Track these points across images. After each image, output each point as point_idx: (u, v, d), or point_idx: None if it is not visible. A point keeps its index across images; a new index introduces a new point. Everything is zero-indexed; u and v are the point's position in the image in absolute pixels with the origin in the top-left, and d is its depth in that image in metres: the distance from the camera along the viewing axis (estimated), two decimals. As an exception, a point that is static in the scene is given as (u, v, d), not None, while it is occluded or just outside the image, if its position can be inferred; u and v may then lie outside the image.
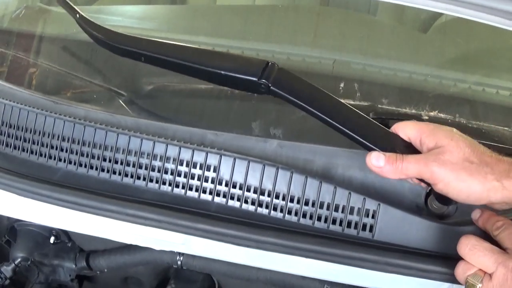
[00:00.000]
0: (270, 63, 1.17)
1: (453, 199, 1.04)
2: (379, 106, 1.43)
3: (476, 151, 1.00)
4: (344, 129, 1.11)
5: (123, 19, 1.89)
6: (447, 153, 1.00)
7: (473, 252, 1.02)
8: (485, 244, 1.02)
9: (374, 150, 1.08)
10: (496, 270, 0.98)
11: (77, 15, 1.46)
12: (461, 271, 1.05)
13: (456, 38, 1.76)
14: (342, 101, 1.16)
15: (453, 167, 0.99)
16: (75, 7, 1.50)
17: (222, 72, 1.19)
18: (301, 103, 1.14)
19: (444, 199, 1.11)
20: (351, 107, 1.15)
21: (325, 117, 1.12)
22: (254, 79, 1.15)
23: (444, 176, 1.00)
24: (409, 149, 1.08)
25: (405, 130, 1.08)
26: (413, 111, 1.42)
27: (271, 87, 1.15)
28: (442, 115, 1.42)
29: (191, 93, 1.52)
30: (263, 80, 1.14)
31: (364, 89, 1.46)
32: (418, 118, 1.36)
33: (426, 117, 1.40)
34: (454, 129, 1.04)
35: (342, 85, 1.47)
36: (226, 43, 1.67)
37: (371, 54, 1.66)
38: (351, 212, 1.16)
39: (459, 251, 1.05)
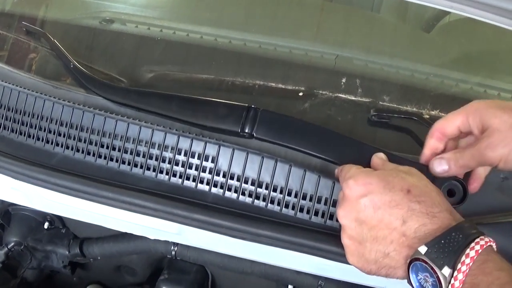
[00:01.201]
0: (251, 108, 1.19)
1: None
2: (380, 102, 1.42)
3: None
4: (333, 160, 1.15)
5: (126, 6, 1.88)
6: (495, 133, 0.99)
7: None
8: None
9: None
10: (338, 211, 1.03)
11: (71, 65, 1.46)
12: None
13: (459, 38, 1.75)
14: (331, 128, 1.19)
15: (505, 143, 0.99)
16: (68, 56, 1.50)
17: (206, 124, 1.23)
18: (288, 145, 1.17)
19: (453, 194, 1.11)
20: (339, 134, 1.18)
21: (315, 154, 1.16)
22: (236, 130, 1.18)
23: (500, 155, 1.00)
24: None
25: (451, 126, 1.08)
26: (414, 109, 1.42)
27: (255, 135, 1.18)
28: (443, 115, 1.41)
29: (191, 83, 1.51)
30: (246, 131, 1.18)
31: (365, 85, 1.45)
32: (419, 116, 1.35)
33: (427, 116, 1.39)
34: (492, 102, 1.04)
35: (344, 80, 1.46)
36: (229, 34, 1.66)
37: (374, 51, 1.65)
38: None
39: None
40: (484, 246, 0.86)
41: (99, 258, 1.75)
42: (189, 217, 1.19)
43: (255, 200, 1.21)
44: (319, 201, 1.18)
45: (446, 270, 0.86)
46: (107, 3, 1.87)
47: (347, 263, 1.09)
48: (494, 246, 0.89)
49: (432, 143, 1.11)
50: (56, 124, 1.33)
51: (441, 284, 0.87)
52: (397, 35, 1.78)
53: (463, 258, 0.85)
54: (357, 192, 0.99)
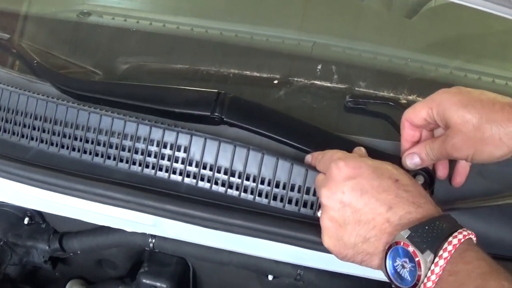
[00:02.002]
0: (220, 94, 1.21)
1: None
2: (356, 88, 1.41)
3: (481, 113, 0.98)
4: (302, 147, 1.17)
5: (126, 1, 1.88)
6: (458, 135, 1.00)
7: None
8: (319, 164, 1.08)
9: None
10: (318, 191, 1.04)
11: (35, 62, 1.45)
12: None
13: (440, 24, 1.75)
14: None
15: (468, 145, 1.00)
16: (32, 54, 1.49)
17: (176, 110, 1.23)
18: (256, 129, 1.19)
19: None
20: (308, 123, 1.21)
21: (282, 139, 1.18)
22: (207, 113, 1.20)
23: (464, 155, 1.01)
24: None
25: (417, 118, 1.08)
26: (391, 94, 1.41)
27: (224, 119, 1.19)
28: (420, 99, 1.40)
29: (166, 73, 1.51)
30: (216, 114, 1.19)
31: (342, 72, 1.45)
32: (396, 101, 1.34)
33: (404, 101, 1.39)
34: (459, 96, 1.02)
35: (319, 67, 1.45)
36: (205, 24, 1.65)
37: (352, 37, 1.65)
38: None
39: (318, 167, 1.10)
40: (466, 237, 0.86)
41: (79, 252, 1.74)
42: (162, 208, 1.18)
43: (228, 190, 1.20)
44: (292, 189, 1.17)
45: (428, 255, 0.86)
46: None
47: (323, 250, 1.08)
48: (474, 239, 0.89)
49: (407, 134, 1.12)
50: (30, 118, 1.32)
51: (421, 269, 0.86)
52: (376, 21, 1.78)
53: (446, 245, 0.85)
54: (345, 173, 0.98)
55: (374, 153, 1.12)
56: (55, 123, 1.30)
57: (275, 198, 1.18)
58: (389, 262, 0.92)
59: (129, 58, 1.54)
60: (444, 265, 0.84)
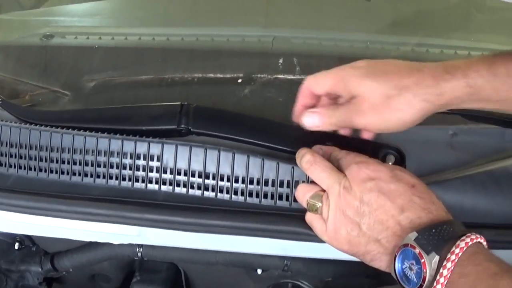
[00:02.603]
0: (184, 105, 1.22)
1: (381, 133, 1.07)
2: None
3: (390, 80, 0.99)
4: (273, 145, 1.19)
5: (66, 18, 1.89)
6: (364, 102, 1.00)
7: (314, 168, 1.06)
8: (324, 161, 1.06)
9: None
10: (332, 187, 1.02)
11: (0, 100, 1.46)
12: (301, 193, 1.09)
13: (397, 2, 1.77)
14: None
15: (374, 111, 1.00)
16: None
17: (143, 127, 1.25)
18: (224, 135, 1.21)
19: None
20: (273, 121, 1.23)
21: (250, 140, 1.20)
22: (173, 126, 1.21)
23: (368, 122, 1.02)
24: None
25: (319, 87, 1.09)
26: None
27: (191, 129, 1.21)
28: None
29: (131, 85, 1.52)
30: (182, 125, 1.21)
31: (303, 63, 1.47)
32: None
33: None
34: (363, 67, 1.04)
35: (281, 61, 1.47)
36: (166, 32, 1.68)
37: (311, 27, 1.67)
38: (296, 186, 1.16)
39: (300, 165, 1.10)
40: (474, 241, 0.87)
41: (71, 270, 1.76)
42: (142, 218, 1.20)
43: (205, 192, 1.22)
44: (266, 184, 1.19)
45: (433, 256, 0.87)
46: (47, 19, 1.88)
47: (305, 240, 1.11)
48: (485, 244, 0.90)
49: (303, 101, 1.13)
50: (6, 146, 1.34)
51: (426, 271, 0.87)
52: (334, 7, 1.80)
53: (453, 248, 0.86)
54: (366, 174, 1.00)
55: (346, 140, 1.14)
56: (30, 148, 1.31)
57: (250, 195, 1.21)
58: (398, 264, 0.93)
59: (95, 75, 1.56)
60: (452, 267, 0.85)
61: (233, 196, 1.21)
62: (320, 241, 1.08)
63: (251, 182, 1.20)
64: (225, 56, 1.57)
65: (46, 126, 1.33)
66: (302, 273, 1.65)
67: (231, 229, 1.19)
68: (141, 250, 1.60)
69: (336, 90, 1.06)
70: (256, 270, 1.69)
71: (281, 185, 1.19)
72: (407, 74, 0.99)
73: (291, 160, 1.16)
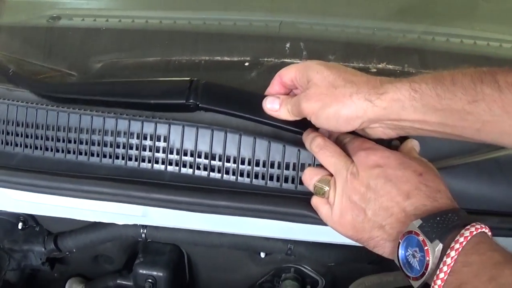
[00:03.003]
0: (193, 81, 1.22)
1: (327, 129, 1.08)
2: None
3: (342, 74, 1.01)
4: (281, 125, 1.16)
5: (73, 0, 1.89)
6: (313, 87, 1.02)
7: (323, 152, 1.07)
8: (334, 146, 1.07)
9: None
10: (339, 172, 1.03)
11: (10, 72, 1.47)
12: (308, 176, 1.10)
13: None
14: None
15: (318, 97, 1.01)
16: (7, 64, 1.51)
17: (152, 101, 1.25)
18: (231, 111, 1.19)
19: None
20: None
21: (257, 118, 1.18)
22: (182, 101, 1.20)
23: (312, 108, 1.02)
24: None
25: (287, 76, 1.11)
26: (361, 64, 1.43)
27: (199, 105, 1.20)
28: (390, 67, 1.43)
29: (138, 67, 1.52)
30: (191, 101, 1.20)
31: (310, 48, 1.47)
32: (366, 71, 1.36)
33: (374, 70, 1.41)
34: (329, 61, 1.08)
35: (288, 45, 1.48)
36: (173, 15, 1.68)
37: (318, 13, 1.67)
38: (302, 169, 1.17)
39: (309, 148, 1.11)
40: (479, 230, 0.87)
41: (74, 250, 1.77)
42: (148, 197, 1.20)
43: (211, 173, 1.23)
44: (272, 166, 1.20)
45: (436, 244, 0.87)
46: (54, 0, 1.88)
47: (309, 222, 1.12)
48: (489, 233, 0.89)
49: (273, 88, 1.15)
50: (13, 125, 1.35)
51: (429, 258, 0.87)
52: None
53: (457, 237, 0.86)
54: (373, 161, 1.00)
55: None
56: (37, 127, 1.32)
57: (256, 177, 1.21)
58: (401, 251, 0.93)
59: (102, 56, 1.56)
60: (456, 256, 0.84)
61: (239, 177, 1.22)
62: (325, 224, 1.08)
63: (257, 164, 1.21)
64: (232, 39, 1.57)
65: (54, 101, 1.35)
66: (305, 258, 1.66)
67: (236, 210, 1.19)
68: (145, 231, 1.61)
69: (299, 77, 1.08)
70: (259, 254, 1.70)
71: (287, 167, 1.20)
72: (359, 74, 1.01)
73: (297, 143, 1.17)
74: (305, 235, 1.34)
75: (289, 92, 1.15)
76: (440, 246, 0.87)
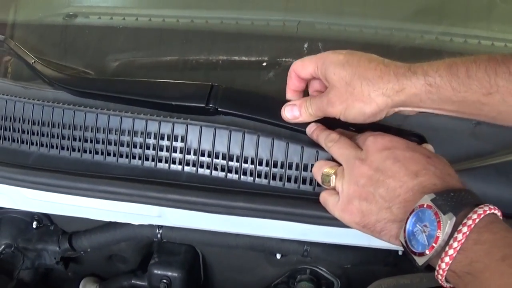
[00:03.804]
0: (214, 86, 1.24)
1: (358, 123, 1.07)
2: (344, 63, 1.43)
3: (357, 71, 1.01)
4: (298, 128, 1.18)
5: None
6: (333, 90, 1.04)
7: (336, 145, 1.09)
8: (347, 140, 1.09)
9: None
10: (348, 161, 1.04)
11: (33, 62, 1.48)
12: (317, 168, 1.11)
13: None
14: None
15: (340, 100, 1.03)
16: (29, 53, 1.52)
17: (173, 103, 1.25)
18: (250, 116, 1.21)
19: None
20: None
21: (275, 122, 1.19)
22: (202, 105, 1.22)
23: (338, 111, 1.05)
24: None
25: (305, 71, 1.12)
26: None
27: (219, 109, 1.22)
28: (408, 68, 1.42)
29: (155, 66, 1.52)
30: (211, 105, 1.22)
31: (328, 48, 1.44)
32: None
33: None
34: (342, 55, 1.06)
35: (306, 45, 1.47)
36: (190, 14, 1.67)
37: (336, 13, 1.66)
38: (321, 171, 1.16)
39: (324, 143, 1.12)
40: (492, 211, 0.86)
41: (89, 250, 1.76)
42: (164, 198, 1.20)
43: (228, 174, 1.22)
44: (290, 168, 1.19)
45: (450, 217, 0.85)
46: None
47: (326, 224, 1.11)
48: (500, 216, 0.88)
49: (292, 84, 1.16)
50: (29, 124, 1.34)
51: (440, 230, 0.86)
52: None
53: (471, 213, 0.85)
54: (381, 144, 1.01)
55: (370, 125, 1.14)
56: (53, 126, 1.32)
57: (274, 178, 1.21)
58: (408, 227, 0.91)
59: (119, 55, 1.56)
60: (468, 232, 0.83)
61: (256, 178, 1.22)
62: (342, 225, 1.07)
63: (275, 165, 1.20)
64: (250, 39, 1.56)
65: (74, 94, 1.36)
66: (321, 259, 1.65)
67: (253, 212, 1.19)
68: (160, 231, 1.61)
69: (318, 75, 1.09)
70: (275, 255, 1.70)
71: (305, 169, 1.19)
72: (374, 67, 1.01)
73: (315, 144, 1.15)
74: (321, 236, 1.33)
75: (306, 84, 1.17)
76: (454, 219, 0.85)
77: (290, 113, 1.14)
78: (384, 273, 1.51)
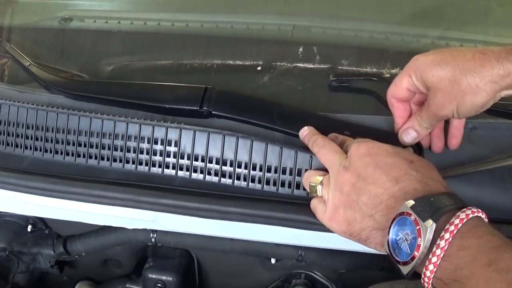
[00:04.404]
0: (208, 89, 1.25)
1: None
2: (339, 67, 1.42)
3: (456, 66, 0.99)
4: (292, 132, 1.20)
5: (84, 2, 1.88)
6: (438, 93, 1.02)
7: (322, 150, 1.09)
8: (333, 144, 1.09)
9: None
10: (333, 168, 1.04)
11: (28, 64, 1.48)
12: (306, 178, 1.12)
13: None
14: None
15: (450, 101, 1.01)
16: (25, 56, 1.53)
17: (167, 105, 1.27)
18: (244, 119, 1.23)
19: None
20: (293, 107, 1.25)
21: (269, 125, 1.21)
22: (196, 108, 1.24)
23: (450, 112, 1.03)
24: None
25: (400, 92, 1.11)
26: (374, 70, 1.42)
27: (213, 112, 1.23)
28: (403, 72, 1.42)
29: (150, 70, 1.52)
30: (204, 108, 1.24)
31: (323, 52, 1.46)
32: (379, 76, 1.35)
33: (388, 75, 1.40)
34: (432, 55, 1.04)
35: (301, 49, 1.46)
36: (185, 18, 1.67)
37: (331, 17, 1.65)
38: (315, 176, 1.16)
39: (311, 148, 1.12)
40: (476, 214, 0.85)
41: (83, 254, 1.76)
42: (158, 202, 1.20)
43: (222, 179, 1.22)
44: (284, 172, 1.19)
45: (429, 223, 0.84)
46: (66, 2, 1.87)
47: (320, 230, 1.10)
48: (485, 219, 0.87)
49: (396, 110, 1.15)
50: (23, 127, 1.34)
51: (420, 239, 0.85)
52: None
53: (453, 219, 0.83)
54: (363, 151, 1.00)
55: (368, 131, 1.14)
56: (47, 130, 1.32)
57: (268, 183, 1.20)
58: (392, 236, 0.90)
59: (114, 59, 1.55)
60: (451, 239, 0.82)
61: (250, 183, 1.21)
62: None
63: (269, 170, 1.20)
64: (245, 43, 1.56)
65: (68, 97, 1.37)
66: (316, 264, 1.64)
67: (247, 217, 1.18)
68: (155, 235, 1.60)
69: (414, 85, 1.07)
70: (270, 260, 1.69)
71: (299, 174, 1.18)
72: (471, 58, 0.99)
73: (309, 149, 1.15)
74: (316, 241, 1.33)
75: (410, 101, 1.15)
76: (434, 226, 0.84)
77: (408, 136, 1.13)
78: (379, 278, 1.50)
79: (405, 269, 0.89)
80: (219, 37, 1.60)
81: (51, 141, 1.32)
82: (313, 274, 1.72)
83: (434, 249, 0.83)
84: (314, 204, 1.09)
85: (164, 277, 1.72)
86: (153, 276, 1.72)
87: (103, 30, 1.68)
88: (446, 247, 0.82)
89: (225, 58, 1.48)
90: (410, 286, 1.34)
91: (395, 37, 1.58)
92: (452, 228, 0.82)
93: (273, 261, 1.69)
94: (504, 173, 1.18)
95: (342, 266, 1.61)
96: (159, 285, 1.72)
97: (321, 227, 1.11)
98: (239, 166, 1.21)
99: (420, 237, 0.85)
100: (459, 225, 0.82)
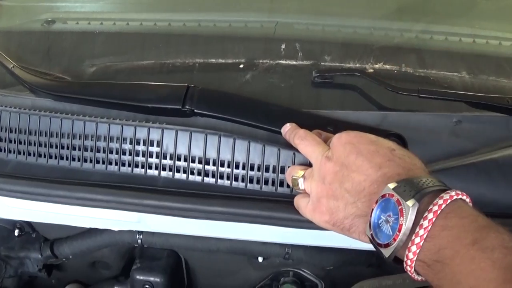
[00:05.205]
0: (190, 87, 1.24)
1: None
2: (322, 63, 1.42)
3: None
4: (275, 129, 1.18)
5: (67, 4, 1.88)
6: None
7: (303, 143, 1.08)
8: (314, 137, 1.09)
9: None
10: (316, 159, 1.04)
11: (11, 67, 1.47)
12: (288, 172, 1.12)
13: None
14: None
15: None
16: (8, 58, 1.51)
17: (149, 105, 1.26)
18: (226, 117, 1.22)
19: None
20: (275, 104, 1.24)
21: (252, 123, 1.20)
22: (178, 107, 1.23)
23: None
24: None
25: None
26: (358, 65, 1.42)
27: (195, 110, 1.22)
28: (387, 67, 1.41)
29: (132, 70, 1.51)
30: (187, 107, 1.22)
31: (306, 48, 1.45)
32: (362, 71, 1.35)
33: (371, 70, 1.39)
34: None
35: (283, 46, 1.46)
36: (168, 17, 1.67)
37: (314, 13, 1.65)
38: (298, 173, 1.16)
39: (292, 141, 1.11)
40: (459, 195, 0.83)
41: (71, 257, 1.75)
42: (141, 203, 1.20)
43: (205, 178, 1.21)
44: (267, 170, 1.19)
45: (411, 202, 0.83)
46: (49, 4, 1.87)
47: (305, 227, 1.10)
48: (469, 202, 0.86)
49: None
50: (5, 131, 1.34)
51: (402, 219, 0.83)
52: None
53: (436, 199, 0.82)
54: (345, 139, 1.00)
55: (352, 126, 1.13)
56: (30, 133, 1.32)
57: (251, 181, 1.20)
58: (373, 219, 0.89)
59: (97, 60, 1.54)
60: (434, 219, 0.80)
61: (233, 182, 1.21)
62: (321, 228, 1.06)
63: (252, 168, 1.20)
64: (227, 41, 1.56)
65: (51, 98, 1.36)
66: (303, 261, 1.64)
67: (231, 216, 1.18)
68: (141, 237, 1.60)
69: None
70: (257, 258, 1.69)
71: (282, 171, 1.18)
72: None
73: (292, 146, 1.14)
74: (302, 239, 1.33)
75: None
76: (416, 205, 0.83)
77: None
78: (368, 274, 1.50)
79: (386, 252, 0.87)
80: (202, 36, 1.60)
81: (34, 144, 1.32)
82: (301, 272, 1.72)
83: (417, 229, 0.82)
84: (297, 200, 1.09)
85: (152, 278, 1.71)
86: (141, 277, 1.72)
87: (86, 32, 1.68)
88: (429, 227, 0.81)
89: (208, 56, 1.48)
90: (398, 281, 1.34)
91: (379, 32, 1.58)
92: (435, 208, 0.81)
93: (260, 259, 1.69)
94: (489, 166, 1.18)
95: (330, 263, 1.61)
96: (147, 286, 1.72)
97: (306, 225, 1.11)
98: (222, 165, 1.21)
99: (403, 217, 0.84)
100: (443, 205, 0.81)
